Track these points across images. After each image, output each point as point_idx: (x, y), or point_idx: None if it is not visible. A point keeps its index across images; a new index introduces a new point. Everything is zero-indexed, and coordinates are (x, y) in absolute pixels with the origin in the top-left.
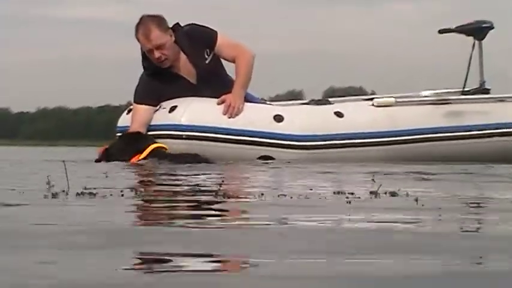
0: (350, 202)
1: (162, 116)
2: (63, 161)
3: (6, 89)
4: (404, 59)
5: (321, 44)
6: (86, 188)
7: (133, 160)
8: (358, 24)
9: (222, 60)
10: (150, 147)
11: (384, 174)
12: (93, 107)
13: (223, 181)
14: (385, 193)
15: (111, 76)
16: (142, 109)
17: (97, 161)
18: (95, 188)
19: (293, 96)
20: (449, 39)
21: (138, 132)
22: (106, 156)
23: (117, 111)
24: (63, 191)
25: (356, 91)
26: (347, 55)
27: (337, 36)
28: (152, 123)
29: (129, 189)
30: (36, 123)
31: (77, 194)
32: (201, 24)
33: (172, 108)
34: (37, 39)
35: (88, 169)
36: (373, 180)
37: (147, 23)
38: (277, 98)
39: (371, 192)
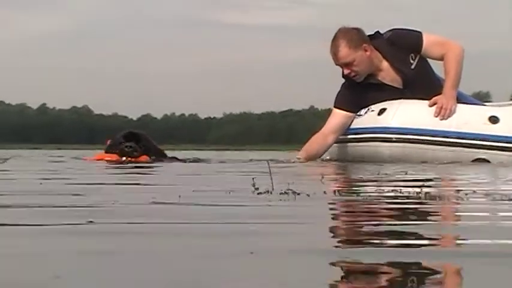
0: None
1: (371, 118)
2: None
3: (192, 94)
4: None
5: (501, 44)
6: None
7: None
8: None
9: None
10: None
11: None
12: (276, 112)
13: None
14: None
15: (293, 80)
16: (339, 114)
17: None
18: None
19: (480, 97)
20: None
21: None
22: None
23: (299, 115)
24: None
25: None
26: None
27: None
28: (361, 126)
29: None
30: (223, 128)
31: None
32: (403, 27)
33: (382, 111)
34: (219, 44)
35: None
36: None
37: (338, 40)
38: None
39: None
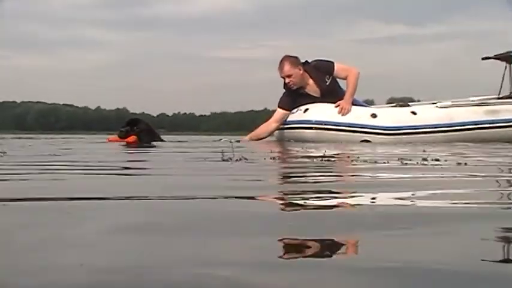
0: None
1: (299, 115)
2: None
3: (192, 100)
4: (446, 75)
5: (384, 70)
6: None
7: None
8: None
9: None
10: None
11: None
12: (244, 111)
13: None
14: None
15: (254, 91)
16: (281, 112)
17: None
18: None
19: (367, 102)
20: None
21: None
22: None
23: (259, 113)
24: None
25: (408, 99)
26: (399, 76)
27: (398, 64)
28: (292, 119)
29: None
30: (211, 122)
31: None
32: (323, 59)
33: (306, 110)
34: (210, 69)
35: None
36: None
37: (283, 61)
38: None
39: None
